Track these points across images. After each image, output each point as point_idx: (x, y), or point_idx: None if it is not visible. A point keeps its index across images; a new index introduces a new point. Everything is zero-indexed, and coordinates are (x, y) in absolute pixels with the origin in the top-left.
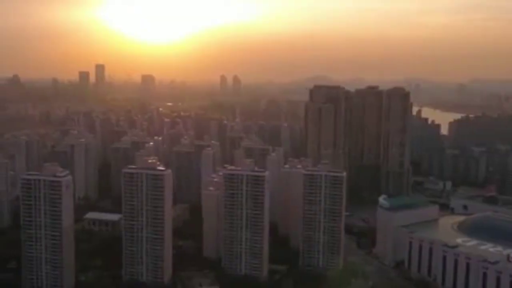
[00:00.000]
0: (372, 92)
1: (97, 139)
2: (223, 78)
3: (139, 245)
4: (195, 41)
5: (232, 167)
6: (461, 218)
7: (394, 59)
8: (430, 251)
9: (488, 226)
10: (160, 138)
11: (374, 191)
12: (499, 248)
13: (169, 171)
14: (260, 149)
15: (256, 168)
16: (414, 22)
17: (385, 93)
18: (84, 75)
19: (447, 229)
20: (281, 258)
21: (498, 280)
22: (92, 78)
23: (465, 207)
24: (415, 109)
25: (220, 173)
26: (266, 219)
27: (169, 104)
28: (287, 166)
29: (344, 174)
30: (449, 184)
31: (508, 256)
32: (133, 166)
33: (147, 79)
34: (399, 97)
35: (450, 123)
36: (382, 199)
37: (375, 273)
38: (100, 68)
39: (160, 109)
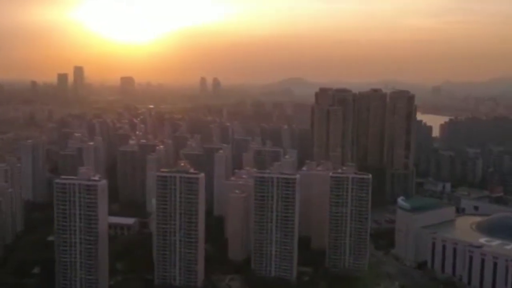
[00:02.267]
0: (377, 94)
1: (105, 142)
2: (202, 80)
3: (172, 249)
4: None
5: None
6: (477, 218)
7: (371, 61)
8: (454, 251)
9: (509, 226)
10: (170, 141)
11: (380, 193)
12: None
13: (203, 174)
14: (271, 152)
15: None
16: (392, 24)
17: (390, 95)
18: (62, 77)
19: (466, 230)
20: (304, 260)
21: None
22: (70, 80)
23: (476, 208)
24: None
25: (244, 176)
26: (296, 221)
27: (151, 106)
28: (304, 168)
29: (370, 176)
30: (448, 185)
31: None
32: (166, 170)
33: (126, 81)
34: (404, 99)
35: (441, 125)
36: (401, 200)
37: (398, 274)
38: (78, 70)
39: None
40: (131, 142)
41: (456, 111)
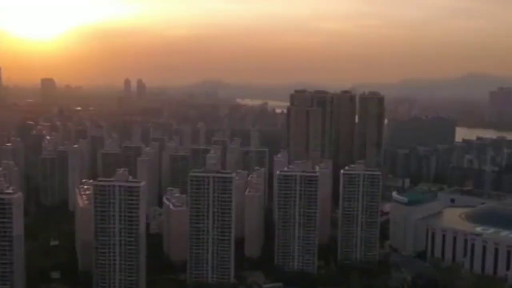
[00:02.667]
0: (347, 96)
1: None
2: (127, 82)
3: (205, 247)
4: (83, 40)
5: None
6: (463, 209)
7: (288, 63)
8: (454, 240)
9: (497, 215)
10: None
11: None
12: None
13: (234, 173)
14: (257, 152)
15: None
16: (308, 27)
17: (360, 97)
18: None
19: (457, 220)
20: None
21: None
22: None
23: (452, 200)
24: None
25: (254, 175)
26: (318, 217)
27: (78, 108)
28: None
29: (380, 173)
30: (407, 181)
31: None
32: (199, 169)
33: (47, 83)
34: (375, 100)
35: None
36: (396, 195)
37: (402, 264)
38: None
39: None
40: (110, 143)
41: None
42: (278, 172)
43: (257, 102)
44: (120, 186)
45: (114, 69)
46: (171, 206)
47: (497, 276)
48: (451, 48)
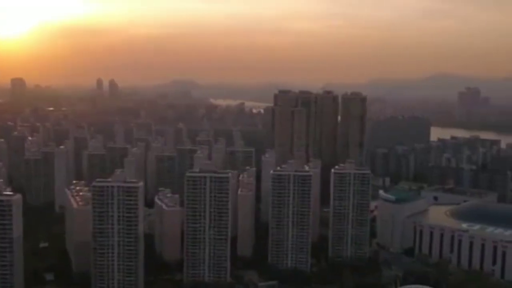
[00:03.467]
0: (330, 97)
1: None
2: (99, 82)
3: (202, 247)
4: (50, 40)
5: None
6: (447, 207)
7: (258, 64)
8: (442, 236)
9: (482, 212)
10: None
11: None
12: (501, 230)
13: (230, 173)
14: (244, 152)
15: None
16: (278, 28)
17: (344, 97)
18: None
19: (443, 217)
20: None
21: None
22: None
23: (435, 198)
24: None
25: (245, 175)
26: (311, 215)
27: (51, 109)
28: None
29: (370, 171)
30: (387, 180)
31: None
32: (196, 170)
33: (17, 83)
34: (358, 101)
35: None
36: (383, 193)
37: (391, 261)
38: None
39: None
40: (94, 144)
41: None
42: (271, 172)
43: (229, 102)
44: (119, 186)
45: (83, 69)
46: (164, 207)
47: (483, 271)
48: (419, 49)
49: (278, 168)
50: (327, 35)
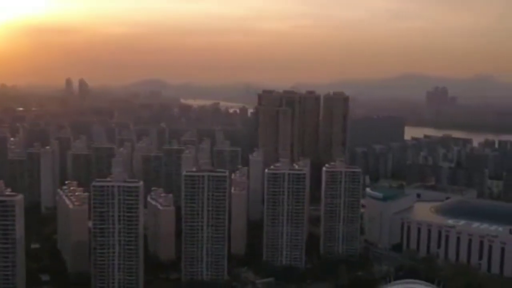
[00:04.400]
0: (312, 97)
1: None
2: (68, 82)
3: (200, 245)
4: (16, 39)
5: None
6: (431, 204)
7: (229, 63)
8: (429, 232)
9: (466, 208)
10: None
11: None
12: (486, 225)
13: (227, 172)
14: (231, 151)
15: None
16: (248, 27)
17: (326, 97)
18: None
19: (429, 214)
20: None
21: (502, 251)
22: None
23: (418, 195)
24: None
25: (238, 173)
26: (305, 213)
27: (20, 109)
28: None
29: (360, 170)
30: (367, 178)
31: (510, 230)
32: (194, 169)
33: None
34: (341, 100)
35: None
36: (370, 191)
37: (379, 257)
38: None
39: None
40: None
41: None
42: (266, 170)
43: (200, 102)
44: (119, 186)
45: (50, 68)
46: (159, 206)
47: (470, 265)
48: (387, 49)
49: (272, 167)
50: (296, 35)
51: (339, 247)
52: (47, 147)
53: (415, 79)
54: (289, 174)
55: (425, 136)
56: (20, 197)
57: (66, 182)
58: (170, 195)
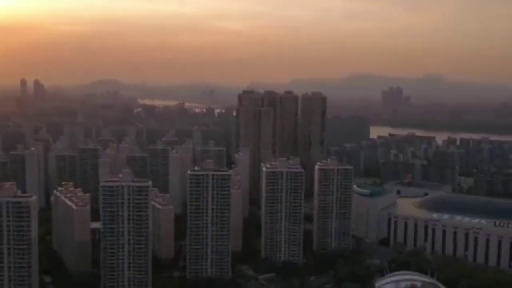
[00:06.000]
0: (290, 96)
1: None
2: (23, 82)
3: (204, 243)
4: None
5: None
6: (413, 199)
7: (184, 63)
8: (415, 226)
9: (447, 202)
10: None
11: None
12: (468, 219)
13: (231, 171)
14: (215, 151)
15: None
16: (203, 27)
17: (304, 97)
18: None
19: (412, 209)
20: None
21: (487, 242)
22: None
23: (398, 191)
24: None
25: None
26: (302, 210)
27: None
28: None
29: (352, 167)
30: None
31: (494, 222)
32: (198, 168)
33: None
34: (319, 100)
35: None
36: (357, 188)
37: (370, 251)
38: None
39: None
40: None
41: None
42: (264, 169)
43: (156, 102)
44: (129, 186)
45: (3, 67)
46: (158, 205)
47: (456, 256)
48: (339, 49)
49: (268, 165)
50: (252, 35)
51: (332, 242)
52: (32, 149)
53: (367, 79)
54: (287, 172)
55: (390, 135)
56: (34, 198)
57: (63, 183)
58: (168, 194)
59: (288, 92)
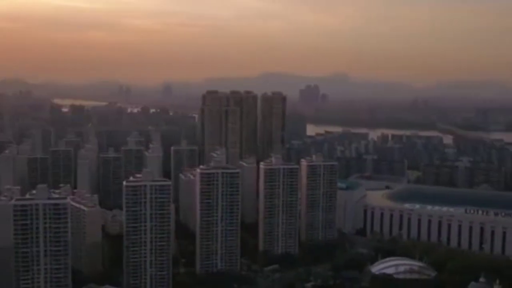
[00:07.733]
0: (251, 96)
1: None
2: None
3: (214, 238)
4: None
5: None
6: (381, 191)
7: (92, 61)
8: (391, 216)
9: (415, 194)
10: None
11: None
12: (438, 207)
13: (239, 169)
14: (188, 150)
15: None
16: (114, 23)
17: (264, 96)
18: None
19: (383, 200)
20: None
21: (459, 228)
22: None
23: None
24: None
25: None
26: (298, 204)
27: None
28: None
29: (337, 163)
30: None
31: (465, 210)
32: (207, 167)
33: None
34: (279, 100)
35: None
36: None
37: (351, 240)
38: None
39: None
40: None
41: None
42: (262, 166)
43: (68, 102)
44: (151, 185)
45: None
46: None
47: (431, 242)
48: (253, 48)
49: (262, 163)
50: (166, 33)
51: (319, 234)
52: (6, 151)
53: (278, 77)
54: (283, 169)
55: (327, 132)
56: (68, 199)
57: (60, 185)
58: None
59: (248, 92)
